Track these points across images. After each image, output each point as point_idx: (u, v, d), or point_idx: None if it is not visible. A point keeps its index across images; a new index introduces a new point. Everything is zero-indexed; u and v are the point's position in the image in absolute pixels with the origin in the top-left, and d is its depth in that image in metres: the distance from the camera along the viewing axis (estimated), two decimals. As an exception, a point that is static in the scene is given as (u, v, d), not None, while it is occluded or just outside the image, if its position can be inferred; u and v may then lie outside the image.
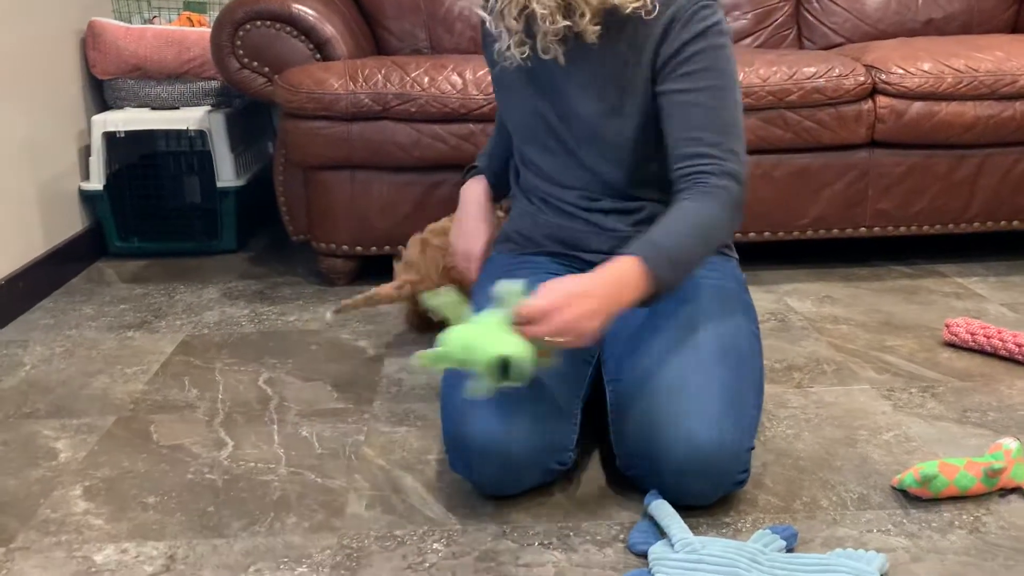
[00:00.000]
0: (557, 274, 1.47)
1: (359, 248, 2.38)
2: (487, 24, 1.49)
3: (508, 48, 1.45)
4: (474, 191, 1.72)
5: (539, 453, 1.35)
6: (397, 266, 2.00)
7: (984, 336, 1.88)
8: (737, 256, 1.63)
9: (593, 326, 1.25)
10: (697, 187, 1.39)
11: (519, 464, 1.34)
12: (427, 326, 2.06)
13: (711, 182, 1.38)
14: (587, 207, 1.55)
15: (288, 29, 2.36)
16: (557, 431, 1.37)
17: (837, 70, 2.29)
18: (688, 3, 1.41)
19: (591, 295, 1.25)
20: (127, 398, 1.79)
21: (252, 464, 1.53)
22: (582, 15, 1.39)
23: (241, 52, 2.36)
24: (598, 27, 1.40)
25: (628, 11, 1.39)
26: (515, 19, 1.41)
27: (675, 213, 1.38)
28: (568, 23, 1.39)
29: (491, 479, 1.36)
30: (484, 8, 1.50)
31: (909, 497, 1.38)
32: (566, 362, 1.41)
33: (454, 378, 1.40)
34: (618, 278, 1.28)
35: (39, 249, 2.42)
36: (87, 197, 2.68)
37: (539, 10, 1.38)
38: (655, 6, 1.40)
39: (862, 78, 2.29)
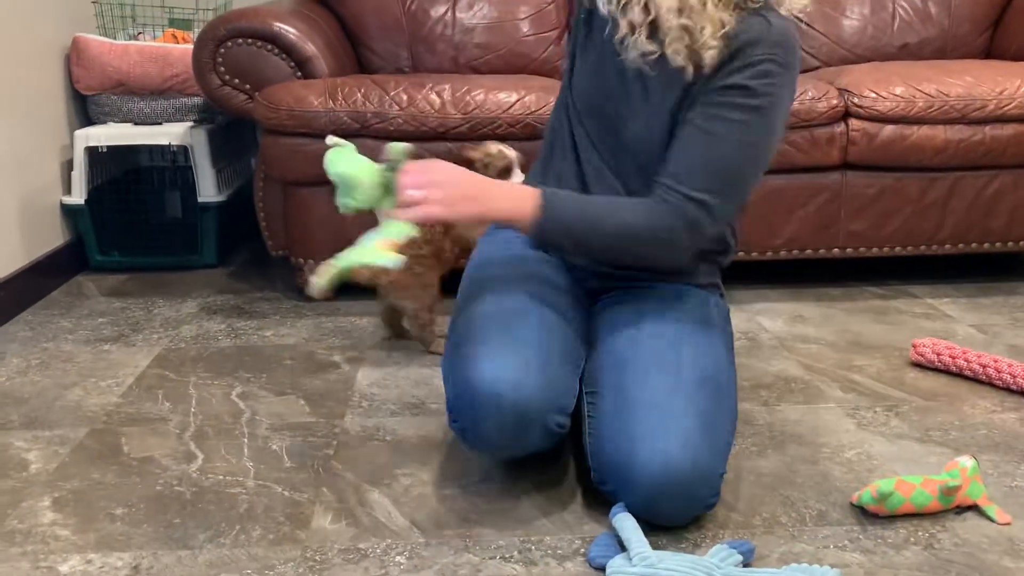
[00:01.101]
0: (547, 275, 1.53)
1: (337, 264, 2.40)
2: (601, 7, 1.43)
3: (635, 40, 1.38)
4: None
5: (546, 409, 1.35)
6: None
7: (950, 356, 1.91)
8: (723, 291, 1.65)
9: (457, 209, 1.35)
10: (657, 197, 1.40)
11: (526, 417, 1.34)
12: (399, 331, 2.12)
13: (671, 202, 1.39)
14: None
15: (269, 47, 2.38)
16: (562, 392, 1.39)
17: (810, 93, 2.33)
18: (764, 47, 1.35)
19: (476, 184, 1.38)
20: (100, 411, 1.80)
21: (221, 477, 1.54)
22: (702, 29, 1.33)
23: (222, 69, 2.39)
24: (715, 49, 1.34)
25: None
26: (643, 8, 1.36)
27: (620, 199, 1.44)
28: (689, 40, 1.34)
29: (496, 434, 1.35)
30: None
31: (867, 514, 1.40)
32: (569, 335, 1.45)
33: (462, 333, 1.42)
34: (510, 192, 1.40)
35: (19, 262, 2.43)
36: (69, 211, 2.70)
37: (665, 15, 1.34)
38: (736, 31, 1.35)
39: (835, 101, 2.33)
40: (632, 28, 1.38)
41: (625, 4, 1.38)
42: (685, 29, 1.34)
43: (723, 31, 1.34)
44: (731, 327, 1.58)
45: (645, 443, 1.31)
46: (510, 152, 2.01)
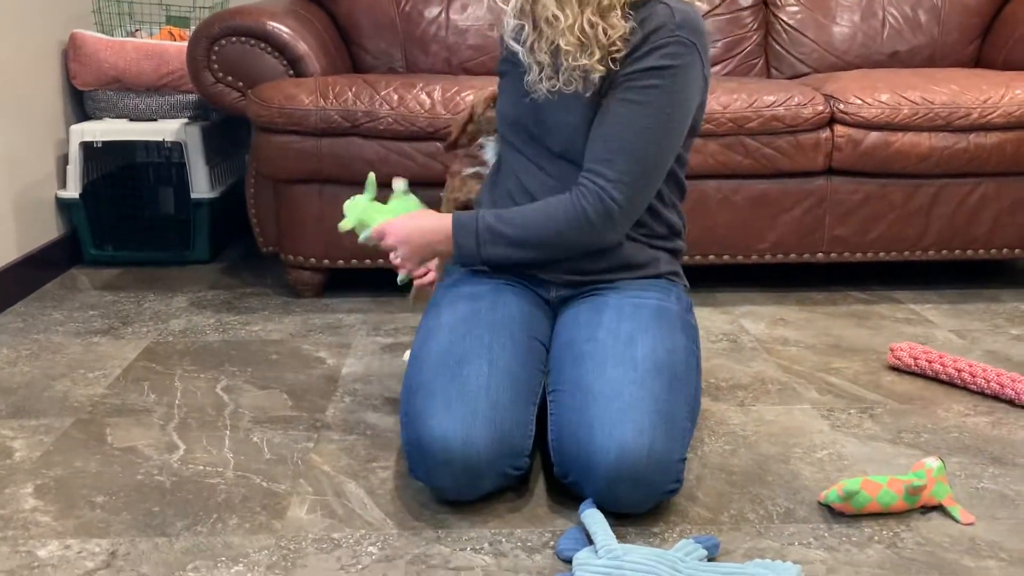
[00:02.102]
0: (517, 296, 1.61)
1: (327, 261, 2.43)
2: (520, 56, 1.53)
3: (539, 80, 1.50)
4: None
5: (497, 458, 1.39)
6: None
7: (926, 360, 1.93)
8: (686, 283, 1.68)
9: (417, 258, 1.61)
10: (576, 190, 1.51)
11: (477, 469, 1.39)
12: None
13: (587, 196, 1.49)
14: None
15: (263, 45, 2.41)
16: (514, 437, 1.42)
17: (796, 99, 2.35)
18: (667, 30, 1.45)
19: (423, 237, 1.58)
20: (87, 401, 1.82)
21: (201, 467, 1.57)
22: (591, 54, 1.45)
23: (216, 67, 2.42)
24: (603, 68, 1.46)
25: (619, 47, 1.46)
26: (546, 53, 1.48)
27: (542, 205, 1.54)
28: (585, 62, 1.45)
29: (450, 484, 1.41)
30: (515, 39, 1.54)
31: (834, 513, 1.43)
32: (522, 370, 1.47)
33: (413, 384, 1.45)
34: (448, 234, 1.56)
35: (13, 254, 2.46)
36: (63, 205, 2.73)
37: (564, 46, 1.45)
38: (636, 26, 1.46)
39: (820, 107, 2.36)
40: (540, 68, 1.50)
41: (533, 46, 1.49)
42: (584, 66, 1.46)
43: (618, 35, 1.45)
44: (693, 318, 1.61)
45: (602, 432, 1.34)
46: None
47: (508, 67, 1.62)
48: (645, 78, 1.46)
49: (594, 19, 1.43)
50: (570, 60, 1.45)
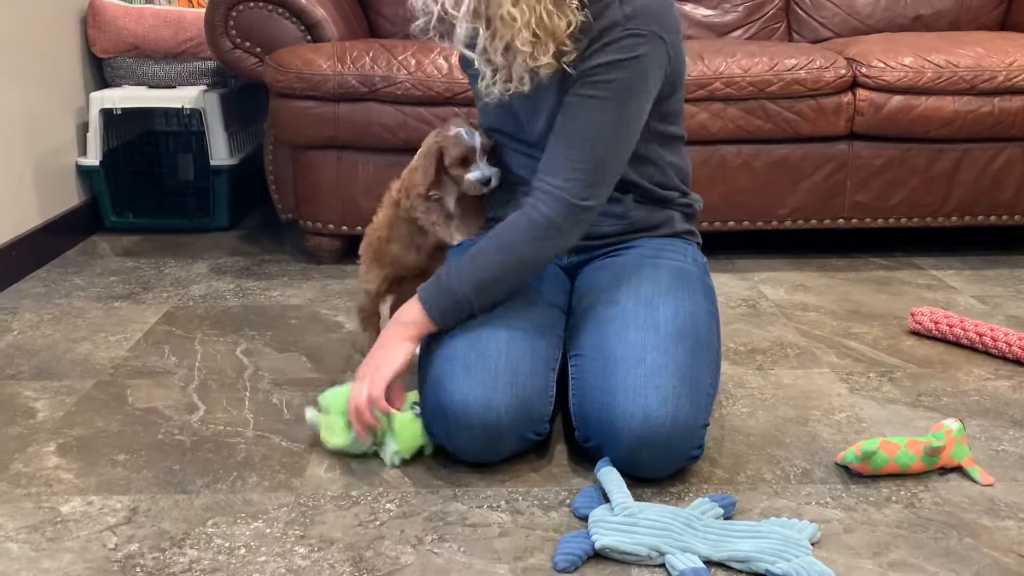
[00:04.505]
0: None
1: (344, 227, 2.43)
2: (474, 62, 1.45)
3: (494, 84, 1.44)
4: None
5: (517, 424, 1.40)
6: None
7: (947, 325, 1.92)
8: (700, 240, 1.67)
9: (377, 381, 1.42)
10: (534, 197, 1.44)
11: (498, 433, 1.39)
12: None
13: (545, 199, 1.43)
14: None
15: (280, 11, 2.40)
16: (535, 403, 1.42)
17: (818, 62, 2.33)
18: (620, 27, 1.40)
19: (376, 362, 1.45)
20: (108, 363, 1.84)
21: (221, 427, 1.58)
22: (546, 50, 1.38)
23: (234, 32, 2.41)
24: (555, 64, 1.40)
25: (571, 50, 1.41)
26: (500, 54, 1.41)
27: (500, 228, 1.46)
28: (542, 59, 1.39)
29: (470, 447, 1.41)
30: (468, 47, 1.44)
31: (852, 474, 1.42)
32: (540, 338, 1.46)
33: (433, 347, 1.45)
34: (403, 341, 1.45)
35: (35, 221, 2.48)
36: (84, 172, 2.74)
37: (520, 46, 1.37)
38: (590, 20, 1.40)
39: (843, 71, 2.33)
40: (494, 71, 1.43)
41: (486, 47, 1.40)
42: (538, 65, 1.39)
43: (571, 31, 1.38)
44: (710, 279, 1.60)
45: (626, 398, 1.34)
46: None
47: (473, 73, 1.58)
48: (602, 73, 1.41)
49: (551, 8, 1.36)
50: (527, 60, 1.39)
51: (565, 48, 1.39)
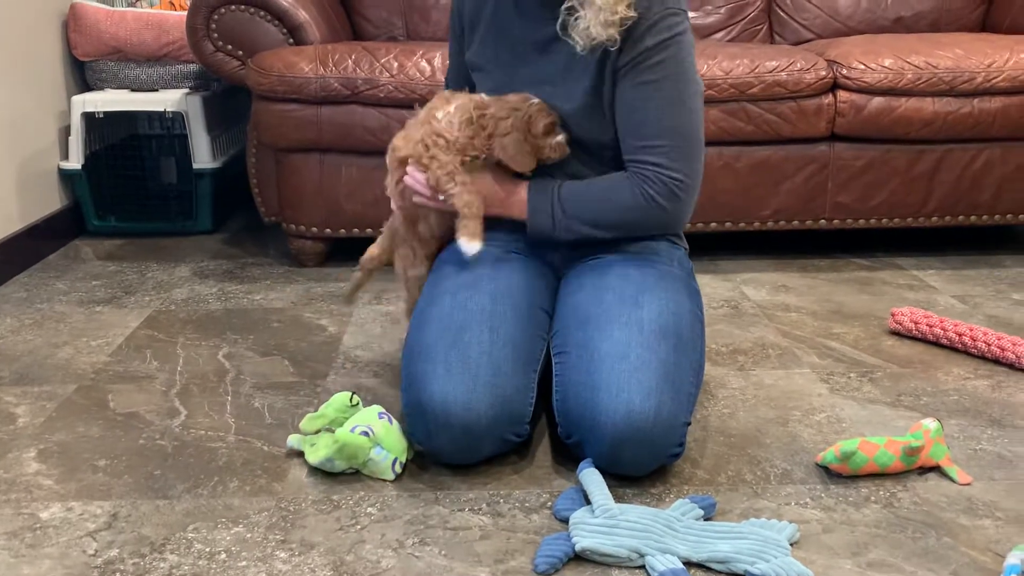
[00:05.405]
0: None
1: (328, 230, 2.43)
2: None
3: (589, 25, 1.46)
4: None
5: (497, 424, 1.40)
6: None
7: (927, 325, 1.93)
8: (687, 247, 1.68)
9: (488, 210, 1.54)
10: (635, 177, 1.51)
11: (478, 434, 1.39)
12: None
13: (648, 182, 1.50)
14: None
15: (262, 13, 2.40)
16: (515, 403, 1.42)
17: (799, 64, 2.34)
18: (657, 9, 1.46)
19: (504, 189, 1.56)
20: (89, 368, 1.84)
21: (203, 432, 1.58)
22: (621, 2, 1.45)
23: (216, 35, 2.41)
24: (615, 37, 1.45)
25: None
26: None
27: (606, 182, 1.54)
28: (620, 14, 1.44)
29: (449, 448, 1.41)
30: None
31: (831, 474, 1.43)
32: (523, 338, 1.47)
33: (415, 347, 1.46)
34: (523, 200, 1.55)
35: (16, 225, 2.47)
36: (66, 176, 2.73)
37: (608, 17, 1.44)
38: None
39: (823, 72, 2.34)
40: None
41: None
42: (608, 21, 1.45)
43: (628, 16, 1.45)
44: (696, 282, 1.61)
45: (609, 394, 1.34)
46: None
47: (484, 61, 1.63)
48: (651, 56, 1.47)
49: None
50: (604, 13, 1.44)
51: (625, 20, 1.44)
